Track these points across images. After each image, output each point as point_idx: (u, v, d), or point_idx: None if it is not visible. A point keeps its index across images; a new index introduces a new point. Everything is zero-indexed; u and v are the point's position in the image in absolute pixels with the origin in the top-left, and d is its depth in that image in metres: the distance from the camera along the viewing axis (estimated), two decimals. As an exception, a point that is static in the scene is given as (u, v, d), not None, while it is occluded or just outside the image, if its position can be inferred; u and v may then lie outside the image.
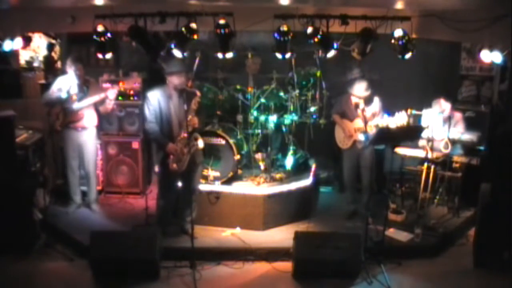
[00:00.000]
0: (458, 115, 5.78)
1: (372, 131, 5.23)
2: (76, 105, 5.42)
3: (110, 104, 5.51)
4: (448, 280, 4.66)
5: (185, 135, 4.81)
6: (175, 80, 4.82)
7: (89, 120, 5.58)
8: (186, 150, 4.83)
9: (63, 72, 6.24)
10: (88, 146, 5.66)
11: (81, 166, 5.76)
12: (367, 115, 5.29)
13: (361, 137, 5.39)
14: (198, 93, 4.90)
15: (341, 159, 5.80)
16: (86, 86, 5.52)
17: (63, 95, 5.35)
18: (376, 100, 5.42)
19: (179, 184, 4.64)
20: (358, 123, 5.39)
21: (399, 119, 5.04)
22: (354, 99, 5.38)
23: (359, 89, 5.31)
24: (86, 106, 5.47)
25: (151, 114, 4.84)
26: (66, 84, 5.42)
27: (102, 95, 5.43)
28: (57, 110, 5.40)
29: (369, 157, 5.50)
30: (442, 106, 5.67)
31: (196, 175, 5.11)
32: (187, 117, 4.73)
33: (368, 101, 5.35)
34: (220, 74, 5.92)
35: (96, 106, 5.57)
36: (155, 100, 4.84)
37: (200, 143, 4.87)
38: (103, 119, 5.87)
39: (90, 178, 5.80)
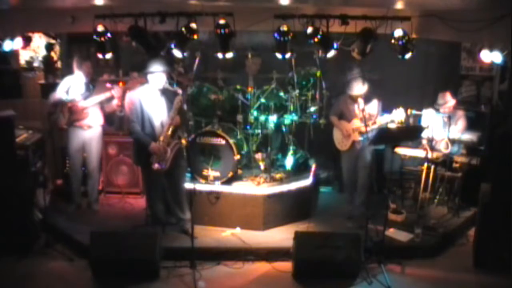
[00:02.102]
0: (460, 112, 5.78)
1: (370, 131, 5.23)
2: (82, 103, 5.42)
3: (116, 101, 5.50)
4: (448, 280, 4.66)
5: (168, 134, 4.85)
6: (155, 80, 4.85)
7: (94, 119, 5.58)
8: (169, 149, 4.87)
9: (63, 72, 6.26)
10: (93, 145, 5.66)
11: (83, 165, 5.76)
12: (366, 115, 5.28)
13: (359, 137, 5.38)
14: (180, 92, 4.92)
15: (340, 160, 5.80)
16: (92, 84, 5.53)
17: (69, 97, 5.38)
18: (375, 102, 5.42)
19: (164, 182, 4.69)
20: (356, 123, 5.39)
21: (397, 116, 5.05)
22: (353, 98, 5.37)
23: (356, 87, 5.30)
24: (92, 105, 5.48)
25: (133, 114, 4.87)
26: (72, 84, 5.44)
27: (107, 94, 5.44)
28: (63, 108, 5.41)
29: (368, 157, 5.48)
30: (447, 99, 5.66)
31: (180, 173, 5.10)
32: (169, 116, 4.78)
33: (367, 99, 5.34)
34: (220, 74, 5.91)
35: (102, 105, 5.58)
36: (136, 100, 4.86)
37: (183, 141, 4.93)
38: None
39: (92, 178, 5.80)
